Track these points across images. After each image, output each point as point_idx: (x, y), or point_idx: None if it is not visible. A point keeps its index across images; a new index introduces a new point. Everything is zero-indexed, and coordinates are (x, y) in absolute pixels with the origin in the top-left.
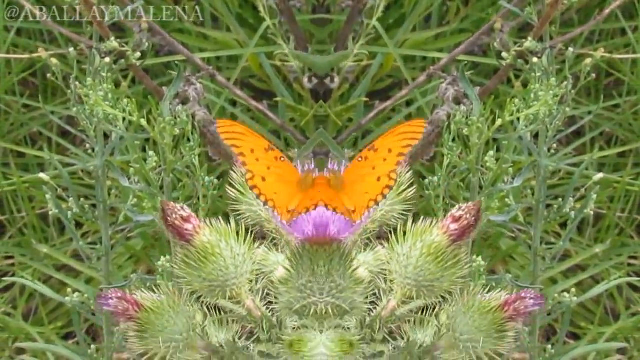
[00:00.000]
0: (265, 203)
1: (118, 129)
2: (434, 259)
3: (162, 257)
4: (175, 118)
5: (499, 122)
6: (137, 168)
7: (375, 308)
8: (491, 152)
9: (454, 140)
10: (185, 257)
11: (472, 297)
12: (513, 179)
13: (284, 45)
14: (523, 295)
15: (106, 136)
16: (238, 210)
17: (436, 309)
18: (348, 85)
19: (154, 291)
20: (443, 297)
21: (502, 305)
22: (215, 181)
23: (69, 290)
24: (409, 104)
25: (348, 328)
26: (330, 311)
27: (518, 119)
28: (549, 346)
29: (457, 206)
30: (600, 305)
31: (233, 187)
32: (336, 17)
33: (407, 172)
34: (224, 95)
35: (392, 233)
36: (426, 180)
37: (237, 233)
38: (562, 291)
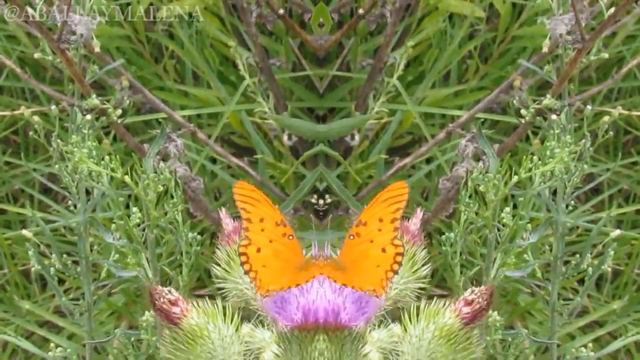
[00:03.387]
0: (247, 272)
1: (101, 186)
2: (446, 341)
3: (145, 312)
4: (159, 175)
5: (515, 178)
6: (120, 224)
7: None
8: (507, 209)
9: (470, 196)
10: (174, 340)
11: None
12: (530, 235)
13: (263, 103)
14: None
15: (87, 192)
16: (223, 289)
17: None
18: (367, 142)
19: (137, 348)
20: None
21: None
22: (199, 237)
23: (51, 345)
24: (428, 161)
25: None
26: None
27: (534, 175)
28: None
29: (469, 289)
30: None
31: (219, 265)
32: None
33: (422, 249)
34: (205, 153)
35: (405, 312)
36: (443, 237)
37: (224, 313)
38: (580, 346)
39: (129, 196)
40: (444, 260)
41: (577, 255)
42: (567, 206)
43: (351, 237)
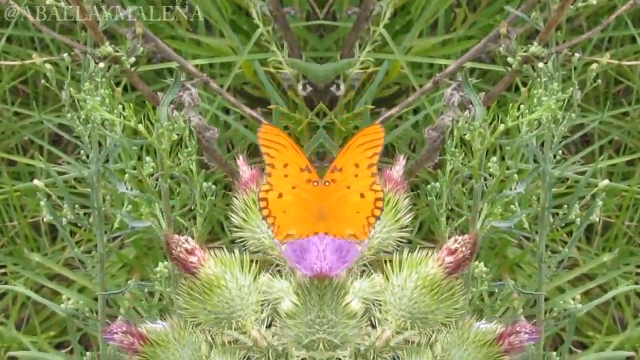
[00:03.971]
0: (265, 217)
1: (114, 135)
2: (429, 291)
3: (159, 263)
4: (173, 123)
5: (501, 127)
6: (133, 174)
7: (369, 337)
8: (494, 158)
9: (456, 146)
10: (190, 290)
11: (467, 328)
12: (517, 185)
13: (277, 52)
14: (518, 328)
15: (99, 144)
16: (241, 238)
17: (431, 339)
18: (354, 92)
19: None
20: (438, 329)
21: (497, 339)
22: (213, 187)
23: (63, 297)
24: (415, 111)
25: (341, 358)
26: (322, 346)
27: (522, 124)
28: (555, 354)
29: (452, 238)
30: (608, 314)
31: (235, 213)
32: (342, 23)
33: (405, 198)
34: (217, 103)
35: (387, 263)
36: (428, 186)
37: (242, 262)
38: (569, 299)
39: (142, 146)
40: (430, 212)
41: (566, 207)
42: (555, 156)
43: (326, 184)
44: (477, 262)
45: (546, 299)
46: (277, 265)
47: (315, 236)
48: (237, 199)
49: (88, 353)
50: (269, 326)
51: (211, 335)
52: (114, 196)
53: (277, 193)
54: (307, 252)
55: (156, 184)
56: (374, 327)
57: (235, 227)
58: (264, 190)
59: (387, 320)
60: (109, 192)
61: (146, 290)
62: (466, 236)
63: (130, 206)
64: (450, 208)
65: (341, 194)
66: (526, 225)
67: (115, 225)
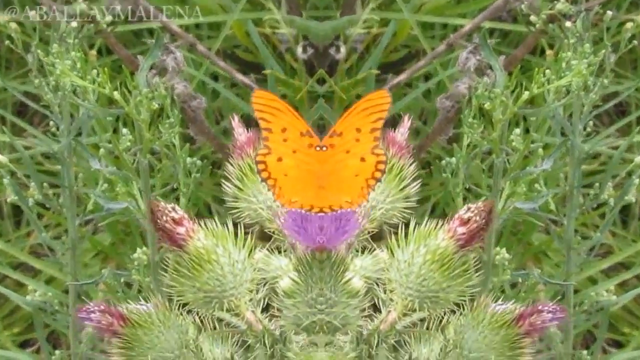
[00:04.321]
0: (264, 180)
1: (87, 104)
2: (439, 266)
3: (137, 249)
4: (153, 91)
5: (525, 95)
6: (108, 149)
7: (373, 320)
8: (517, 130)
9: (474, 116)
10: (177, 265)
11: (482, 309)
12: (543, 161)
13: (274, 10)
14: (540, 307)
15: (71, 115)
16: (236, 208)
17: (442, 322)
18: (356, 56)
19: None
20: (450, 309)
21: (517, 319)
22: (199, 163)
23: (29, 288)
24: (427, 78)
25: (342, 344)
26: (319, 328)
27: (548, 92)
28: (585, 354)
29: (465, 206)
30: None
31: (229, 180)
32: None
33: (411, 164)
34: (204, 68)
35: (393, 236)
36: (442, 162)
37: (235, 235)
38: (601, 291)
39: (118, 117)
40: (445, 192)
41: (597, 186)
42: (585, 128)
43: (324, 149)
44: (498, 249)
45: (576, 291)
46: (276, 240)
47: (316, 213)
48: (231, 164)
49: (57, 352)
50: (265, 309)
51: (200, 317)
52: (86, 174)
53: (276, 157)
54: (309, 222)
55: (134, 160)
56: (377, 309)
57: (229, 197)
58: (262, 153)
59: (393, 300)
60: (81, 170)
61: (123, 280)
62: (481, 204)
63: (105, 185)
64: (467, 187)
65: (339, 158)
66: (553, 206)
67: (89, 207)
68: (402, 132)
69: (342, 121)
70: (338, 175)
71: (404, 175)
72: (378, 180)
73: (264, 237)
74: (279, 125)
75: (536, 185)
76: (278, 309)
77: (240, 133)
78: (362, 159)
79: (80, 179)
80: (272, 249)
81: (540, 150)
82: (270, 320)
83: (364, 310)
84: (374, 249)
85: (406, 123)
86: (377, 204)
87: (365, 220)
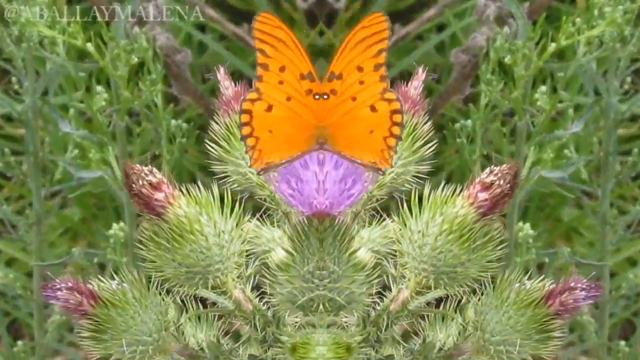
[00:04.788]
0: (245, 137)
1: (56, 58)
2: (458, 237)
3: (113, 225)
4: (132, 43)
5: (552, 47)
6: (79, 109)
7: (382, 300)
8: (543, 88)
9: (493, 72)
10: (155, 235)
11: (507, 286)
12: (573, 123)
13: None
14: (573, 284)
15: (36, 71)
16: (222, 173)
17: (461, 302)
18: (358, 4)
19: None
20: (470, 287)
21: (546, 298)
22: (184, 126)
23: None
24: (440, 28)
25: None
26: (322, 306)
27: (578, 43)
28: (623, 344)
29: (487, 169)
30: None
31: (215, 141)
32: None
33: (426, 122)
34: (191, 17)
35: (405, 203)
36: (457, 126)
37: (222, 202)
38: None
39: (91, 73)
40: (460, 159)
41: (636, 152)
42: (621, 85)
43: (325, 97)
44: (521, 225)
45: (612, 274)
46: (268, 209)
47: (309, 155)
48: (217, 122)
49: (19, 343)
50: (256, 287)
51: (181, 296)
52: (54, 138)
53: (265, 104)
54: (305, 183)
55: (110, 123)
56: (387, 287)
57: (215, 159)
58: (250, 99)
59: (404, 277)
60: (48, 134)
61: (96, 260)
62: (504, 166)
63: (75, 151)
64: (485, 154)
65: (346, 108)
66: (585, 176)
67: (56, 176)
68: (415, 86)
69: (339, 59)
70: (348, 132)
71: (417, 135)
72: (398, 138)
73: (255, 206)
74: (278, 61)
75: (565, 151)
76: (270, 286)
77: (227, 87)
78: (373, 108)
79: (46, 144)
80: (263, 219)
81: (570, 111)
82: (261, 299)
83: (371, 287)
84: (383, 219)
85: (420, 75)
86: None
87: (372, 185)
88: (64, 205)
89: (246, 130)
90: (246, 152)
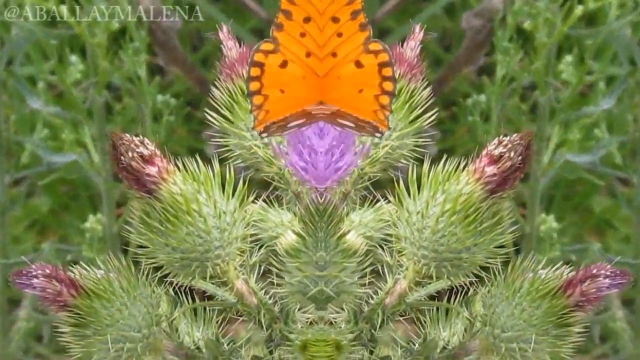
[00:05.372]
0: (252, 94)
1: (23, 22)
2: (463, 219)
3: (89, 216)
4: (112, 6)
5: (578, 10)
6: (50, 82)
7: (376, 293)
8: (568, 57)
9: (511, 39)
10: (146, 216)
11: (519, 275)
12: (604, 99)
13: None
14: (595, 271)
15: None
16: (224, 146)
17: (467, 294)
18: None
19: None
20: (477, 276)
21: (564, 287)
22: (172, 102)
23: None
24: None
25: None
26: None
27: (609, 5)
28: None
29: (495, 139)
30: None
31: (216, 110)
32: None
33: (425, 86)
34: None
35: (401, 181)
36: (469, 101)
37: (223, 179)
38: None
39: (64, 40)
40: (472, 139)
41: None
42: None
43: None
44: (544, 216)
45: None
46: (276, 189)
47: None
48: (218, 88)
49: None
50: (261, 276)
51: (175, 287)
52: (21, 116)
53: (280, 59)
54: (319, 154)
55: (86, 98)
56: (382, 278)
57: (215, 132)
58: (263, 50)
59: (402, 266)
60: (13, 110)
61: (68, 258)
62: (515, 136)
63: (46, 131)
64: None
65: (328, 65)
66: (619, 160)
67: (23, 160)
68: (412, 47)
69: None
70: (335, 95)
71: (415, 103)
72: (391, 94)
73: (261, 184)
74: (304, 10)
75: (595, 131)
76: (277, 275)
77: (231, 47)
78: (358, 64)
79: (11, 122)
80: (271, 200)
81: (601, 85)
82: (267, 292)
83: (364, 276)
84: (377, 200)
85: (417, 34)
86: (380, 140)
87: (364, 157)
88: (31, 194)
89: (254, 85)
90: (251, 111)
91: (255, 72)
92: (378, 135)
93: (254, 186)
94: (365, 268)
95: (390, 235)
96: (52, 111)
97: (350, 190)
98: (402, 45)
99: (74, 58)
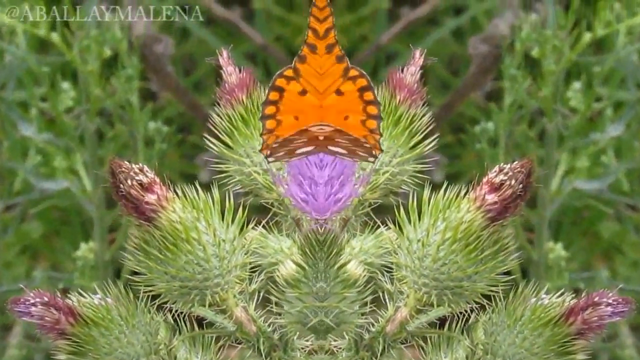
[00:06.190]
0: (265, 117)
1: (15, 49)
2: (464, 247)
3: (80, 244)
4: (104, 33)
5: (587, 37)
6: (42, 109)
7: (377, 320)
8: (576, 84)
9: (519, 66)
10: (145, 244)
11: (521, 303)
12: (612, 125)
13: None
14: (597, 299)
15: None
16: (222, 172)
17: (469, 321)
18: None
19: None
20: (478, 304)
21: (566, 315)
22: (165, 129)
23: None
24: (457, 11)
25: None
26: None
27: (618, 33)
28: None
29: (496, 167)
30: None
31: (215, 136)
32: None
33: (425, 114)
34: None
35: (402, 208)
36: (477, 128)
37: (222, 206)
38: None
39: (54, 69)
40: (480, 166)
41: None
42: None
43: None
44: (552, 244)
45: None
46: (275, 215)
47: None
48: (218, 115)
49: None
50: (260, 304)
51: (174, 314)
52: (13, 142)
53: (300, 87)
54: (320, 186)
55: (78, 125)
56: (382, 305)
57: (214, 157)
58: (285, 76)
59: (402, 293)
60: (5, 136)
61: (61, 286)
62: (516, 163)
63: (38, 158)
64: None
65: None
66: (626, 186)
67: (15, 186)
68: (412, 72)
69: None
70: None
71: (415, 129)
72: (377, 118)
73: (260, 210)
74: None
75: (603, 157)
76: (277, 304)
77: (230, 72)
78: (339, 92)
79: (4, 149)
80: (270, 227)
81: (609, 111)
82: (266, 320)
83: (364, 305)
84: (377, 226)
85: (417, 59)
86: (380, 167)
87: (364, 186)
88: (23, 220)
89: (270, 109)
90: (261, 134)
91: (274, 96)
92: (371, 160)
93: (253, 212)
94: (366, 297)
95: (391, 262)
96: (44, 138)
97: (350, 216)
98: (403, 71)
99: (65, 85)
